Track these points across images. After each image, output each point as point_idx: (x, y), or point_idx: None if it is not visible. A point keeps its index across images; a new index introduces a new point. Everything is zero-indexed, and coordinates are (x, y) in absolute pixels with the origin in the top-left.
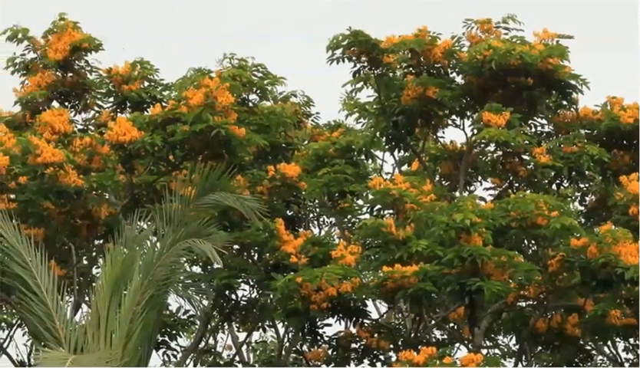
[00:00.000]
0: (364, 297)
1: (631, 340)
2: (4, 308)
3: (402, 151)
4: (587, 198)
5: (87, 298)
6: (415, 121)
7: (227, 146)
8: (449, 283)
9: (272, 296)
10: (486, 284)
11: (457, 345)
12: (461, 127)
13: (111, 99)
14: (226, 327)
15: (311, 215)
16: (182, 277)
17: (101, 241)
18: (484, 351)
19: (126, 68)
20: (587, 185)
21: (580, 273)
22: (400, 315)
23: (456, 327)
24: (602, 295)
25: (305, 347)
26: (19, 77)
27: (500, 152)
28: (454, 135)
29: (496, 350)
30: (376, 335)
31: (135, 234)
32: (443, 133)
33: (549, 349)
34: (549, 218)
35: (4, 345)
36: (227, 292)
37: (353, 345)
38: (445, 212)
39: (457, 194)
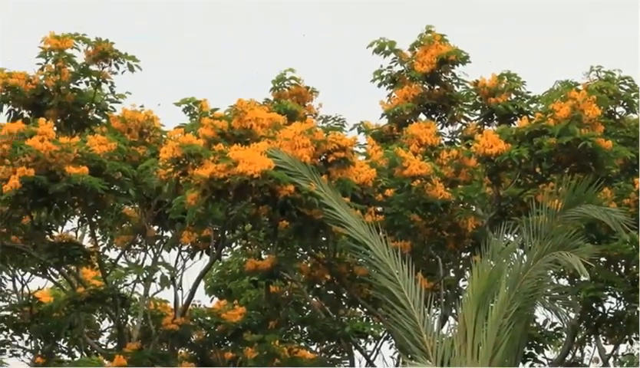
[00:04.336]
0: None
1: None
2: (371, 321)
3: None
4: None
5: (453, 311)
6: None
7: (594, 159)
8: None
9: (639, 309)
10: None
11: None
12: None
13: (478, 111)
14: (593, 340)
15: None
16: (548, 290)
17: (468, 254)
18: None
19: (493, 81)
20: None
21: None
22: None
23: None
24: None
25: None
26: (386, 89)
27: None
28: None
29: None
30: None
31: (502, 247)
32: None
33: None
34: None
35: (372, 357)
36: (594, 304)
37: None
38: None
39: None
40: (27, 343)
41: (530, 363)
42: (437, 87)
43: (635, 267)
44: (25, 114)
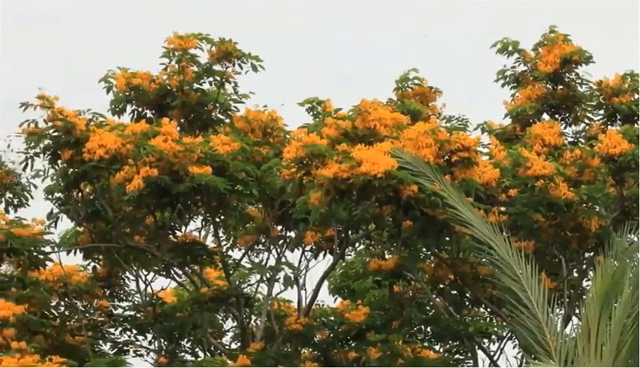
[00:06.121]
0: None
1: None
2: (495, 321)
3: None
4: None
5: (577, 311)
6: None
7: None
8: None
9: None
10: None
11: None
12: None
13: (601, 111)
14: None
15: None
16: None
17: (591, 254)
18: None
19: (616, 81)
20: None
21: None
22: None
23: None
24: None
25: None
26: (509, 89)
27: None
28: None
29: None
30: None
31: (625, 247)
32: None
33: None
34: None
35: (495, 357)
36: None
37: None
38: None
39: None
40: (150, 343)
41: None
42: (560, 87)
43: None
44: (149, 114)
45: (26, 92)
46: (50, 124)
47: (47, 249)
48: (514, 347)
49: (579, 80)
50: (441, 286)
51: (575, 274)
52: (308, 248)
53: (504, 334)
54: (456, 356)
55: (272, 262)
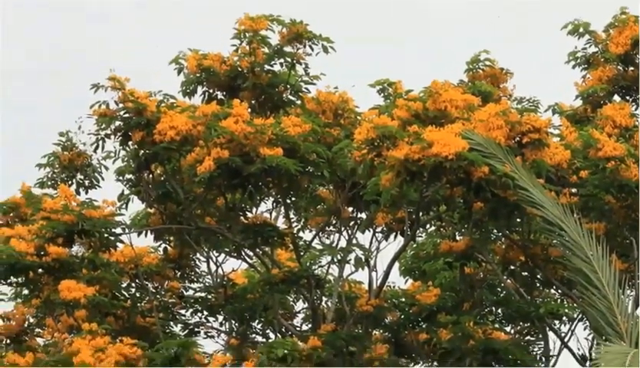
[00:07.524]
0: None
1: None
2: (566, 302)
3: None
4: None
5: None
6: None
7: None
8: None
9: None
10: None
11: None
12: None
13: None
14: None
15: None
16: None
17: None
18: None
19: None
20: None
21: None
22: None
23: None
24: None
25: None
26: (580, 71)
27: None
28: None
29: None
30: None
31: None
32: None
33: None
34: None
35: (566, 339)
36: None
37: None
38: None
39: None
40: (221, 324)
41: None
42: (631, 68)
43: None
44: (220, 96)
45: None
46: (121, 106)
47: (118, 230)
48: (585, 328)
49: None
50: (512, 267)
51: None
52: (379, 229)
53: (575, 316)
54: (527, 337)
55: (342, 244)
